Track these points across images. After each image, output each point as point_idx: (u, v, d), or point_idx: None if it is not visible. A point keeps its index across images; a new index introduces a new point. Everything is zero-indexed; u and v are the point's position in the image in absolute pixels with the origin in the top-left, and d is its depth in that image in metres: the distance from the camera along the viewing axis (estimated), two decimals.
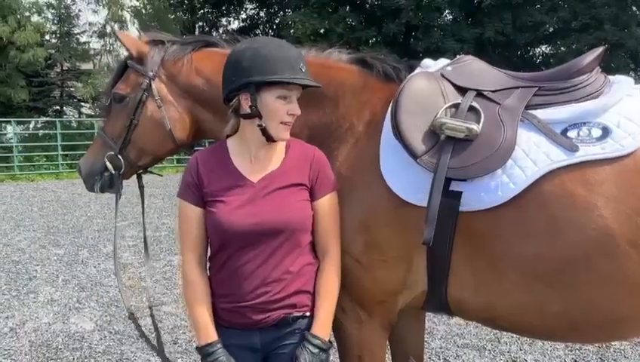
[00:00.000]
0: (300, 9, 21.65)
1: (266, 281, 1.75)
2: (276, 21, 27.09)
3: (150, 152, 2.22)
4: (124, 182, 2.28)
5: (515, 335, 4.25)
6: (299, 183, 1.81)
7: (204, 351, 1.75)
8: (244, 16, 28.17)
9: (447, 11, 22.20)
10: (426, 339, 4.20)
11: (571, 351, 4.06)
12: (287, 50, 1.78)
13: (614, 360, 3.92)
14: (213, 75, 2.07)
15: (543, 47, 23.66)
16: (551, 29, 21.86)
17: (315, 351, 1.75)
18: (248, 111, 1.75)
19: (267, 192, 1.78)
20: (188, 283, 1.82)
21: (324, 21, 20.82)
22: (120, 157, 2.17)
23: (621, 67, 18.49)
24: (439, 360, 3.94)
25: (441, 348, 4.13)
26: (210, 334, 1.76)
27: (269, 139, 1.77)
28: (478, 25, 20.85)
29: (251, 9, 27.79)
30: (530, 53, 23.84)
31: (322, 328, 1.79)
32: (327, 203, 1.84)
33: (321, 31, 20.95)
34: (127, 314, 2.22)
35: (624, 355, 3.98)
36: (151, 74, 2.13)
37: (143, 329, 2.26)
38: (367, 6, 22.47)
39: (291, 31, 21.49)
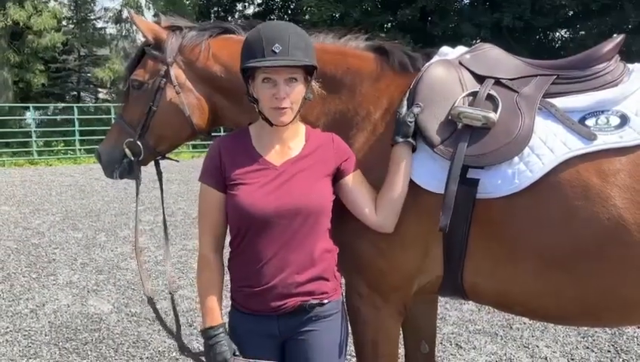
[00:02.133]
0: None
1: (286, 265, 1.76)
2: (291, 6, 26.94)
3: (169, 138, 2.23)
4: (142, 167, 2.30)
5: (527, 321, 4.27)
6: (321, 168, 1.83)
7: (208, 334, 1.77)
8: (259, 1, 28.04)
9: None
10: (438, 325, 4.22)
11: (584, 337, 4.06)
12: (267, 31, 1.75)
13: (627, 347, 3.92)
14: (230, 62, 2.07)
15: (562, 32, 23.22)
16: (570, 13, 21.43)
17: None
18: (250, 97, 1.78)
19: (290, 175, 1.79)
20: (203, 266, 1.85)
21: (340, 5, 20.65)
22: (139, 143, 2.17)
23: None
24: (451, 345, 3.97)
25: (453, 333, 4.15)
26: (216, 317, 1.79)
27: (270, 123, 1.78)
28: (495, 9, 20.51)
29: None
30: (550, 38, 23.42)
31: None
32: (358, 173, 1.88)
33: (337, 15, 20.79)
34: (145, 298, 2.26)
35: (637, 342, 3.98)
36: (169, 60, 2.12)
37: (160, 313, 2.31)
38: None
39: (306, 16, 21.36)
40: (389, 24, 21.78)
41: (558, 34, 23.65)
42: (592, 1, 19.42)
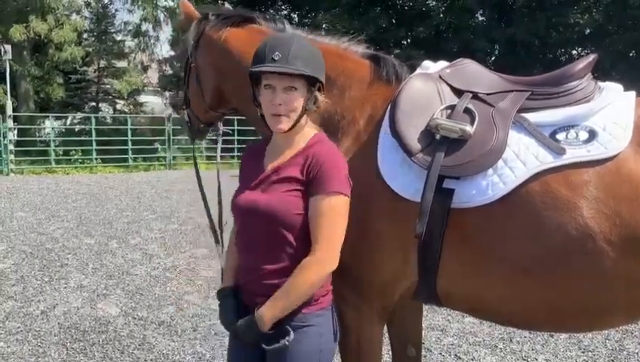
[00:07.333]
0: (331, 10, 21.76)
1: (256, 268, 1.84)
2: (308, 22, 27.25)
3: (197, 110, 2.57)
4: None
5: (527, 335, 4.29)
6: (293, 178, 1.81)
7: (217, 295, 2.01)
8: (277, 17, 28.39)
9: (480, 12, 22.02)
10: (438, 336, 4.31)
11: (584, 352, 4.07)
12: (271, 40, 1.83)
13: None
14: (236, 47, 2.27)
15: (578, 50, 23.14)
16: (587, 31, 21.40)
17: (242, 323, 1.81)
18: (255, 101, 1.88)
19: (270, 181, 1.85)
20: (229, 247, 2.07)
21: (355, 22, 20.88)
22: (186, 112, 2.62)
23: None
24: (450, 356, 4.01)
25: (453, 344, 4.19)
26: (225, 283, 2.02)
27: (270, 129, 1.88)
28: (509, 25, 20.57)
29: (284, 12, 28.00)
30: (567, 56, 23.36)
31: (265, 308, 1.77)
32: (316, 203, 1.77)
33: (352, 31, 21.02)
34: (209, 225, 2.59)
35: (637, 358, 3.98)
36: (192, 43, 2.43)
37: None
38: (398, 7, 22.46)
39: (322, 32, 21.62)
40: (404, 40, 21.95)
41: (575, 52, 23.58)
42: (609, 21, 19.40)
